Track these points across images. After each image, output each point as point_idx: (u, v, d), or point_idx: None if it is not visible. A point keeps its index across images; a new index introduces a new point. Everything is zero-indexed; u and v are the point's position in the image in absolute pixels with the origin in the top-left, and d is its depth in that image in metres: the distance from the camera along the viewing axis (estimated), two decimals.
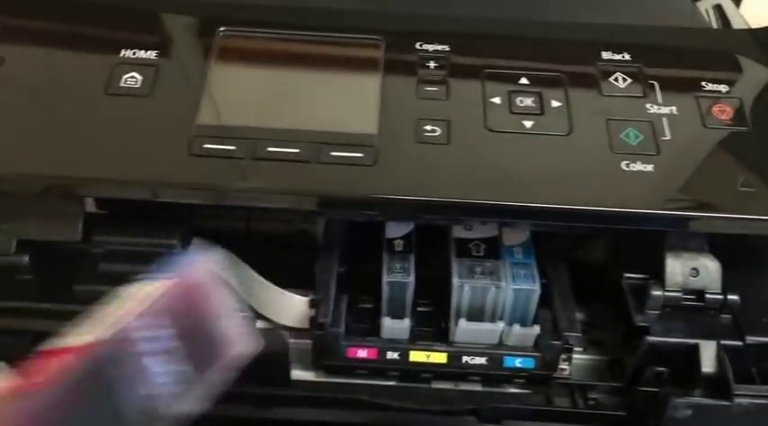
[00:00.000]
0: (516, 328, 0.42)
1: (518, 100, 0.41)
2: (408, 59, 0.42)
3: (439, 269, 0.44)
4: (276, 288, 0.45)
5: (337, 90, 0.41)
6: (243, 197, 0.37)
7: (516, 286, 0.42)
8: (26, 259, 0.41)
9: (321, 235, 0.46)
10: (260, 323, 0.46)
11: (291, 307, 0.45)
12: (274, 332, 0.42)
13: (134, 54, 0.41)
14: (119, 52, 0.41)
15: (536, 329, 0.42)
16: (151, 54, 0.41)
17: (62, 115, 0.39)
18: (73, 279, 0.40)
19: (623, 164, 0.38)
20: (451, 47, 0.43)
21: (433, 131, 0.39)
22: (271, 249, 0.48)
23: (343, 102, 0.40)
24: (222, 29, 0.42)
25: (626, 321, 0.42)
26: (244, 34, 0.43)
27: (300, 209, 0.37)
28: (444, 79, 0.41)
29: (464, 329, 0.42)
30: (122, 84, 0.40)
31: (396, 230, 0.45)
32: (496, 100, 0.40)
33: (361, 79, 0.41)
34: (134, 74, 0.40)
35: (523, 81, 0.41)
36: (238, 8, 0.44)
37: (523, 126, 0.39)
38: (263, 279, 0.45)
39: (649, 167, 0.38)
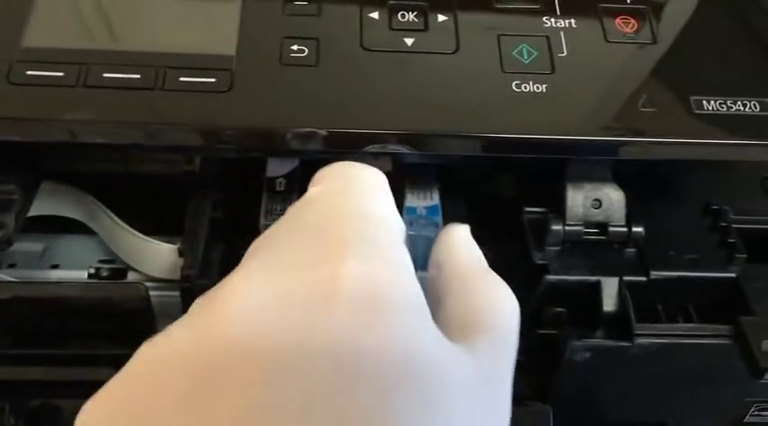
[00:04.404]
0: None
1: (399, 15, 0.36)
2: None
3: None
4: (140, 235, 0.40)
5: (189, 6, 0.35)
6: (71, 131, 0.31)
7: None
8: None
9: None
10: (131, 275, 0.42)
11: (158, 256, 0.40)
12: (131, 284, 0.37)
13: None
14: None
15: None
16: None
17: None
18: None
19: (514, 85, 0.34)
20: None
21: (301, 51, 0.34)
22: (142, 193, 0.44)
23: (197, 19, 0.35)
24: None
25: (526, 259, 0.39)
26: None
27: (142, 145, 0.32)
28: None
29: None
30: None
31: (278, 168, 0.41)
32: (374, 15, 0.35)
33: None
34: None
35: None
36: None
37: (404, 44, 0.35)
38: (126, 226, 0.41)
39: (542, 87, 0.34)
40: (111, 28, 0.34)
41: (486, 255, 0.39)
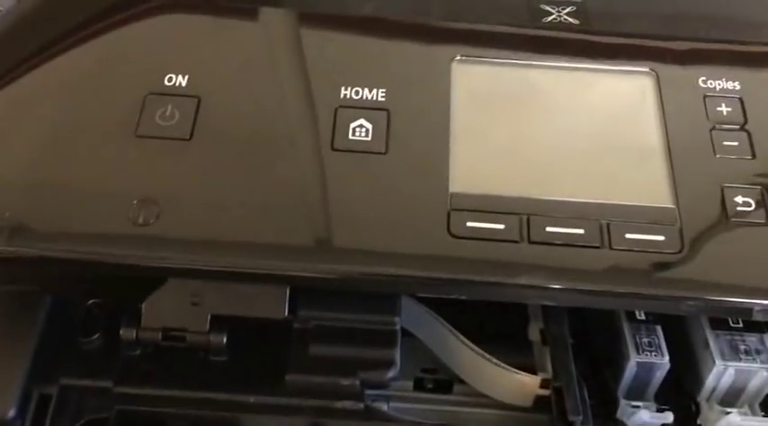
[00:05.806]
0: None
1: None
2: (691, 101, 0.33)
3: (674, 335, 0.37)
4: (497, 361, 0.38)
5: (609, 142, 0.32)
6: (523, 294, 0.29)
7: None
8: (223, 338, 0.34)
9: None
10: (457, 387, 0.40)
11: (513, 384, 0.38)
12: None
13: (357, 94, 0.33)
14: (339, 91, 0.33)
15: None
16: (377, 93, 0.33)
17: (277, 177, 0.31)
18: (276, 363, 0.34)
19: None
20: (743, 84, 0.34)
21: (747, 204, 0.31)
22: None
23: (620, 160, 0.32)
24: (458, 57, 0.34)
25: None
26: (482, 64, 0.34)
27: (592, 307, 0.29)
28: (743, 128, 0.33)
29: (732, 423, 0.35)
30: (351, 136, 0.32)
31: None
32: None
33: (635, 127, 0.33)
34: (362, 122, 0.32)
35: None
36: (469, 34, 0.36)
37: None
38: (479, 350, 0.38)
39: None
40: (529, 168, 0.32)
41: None
